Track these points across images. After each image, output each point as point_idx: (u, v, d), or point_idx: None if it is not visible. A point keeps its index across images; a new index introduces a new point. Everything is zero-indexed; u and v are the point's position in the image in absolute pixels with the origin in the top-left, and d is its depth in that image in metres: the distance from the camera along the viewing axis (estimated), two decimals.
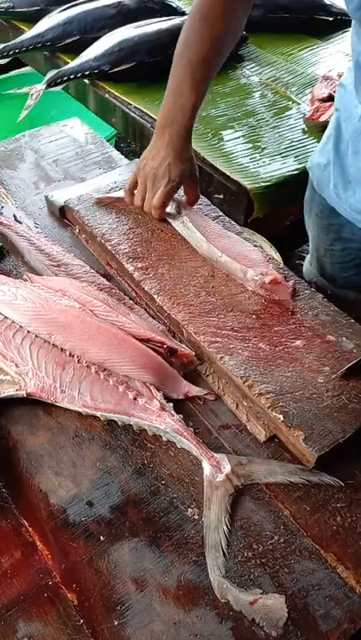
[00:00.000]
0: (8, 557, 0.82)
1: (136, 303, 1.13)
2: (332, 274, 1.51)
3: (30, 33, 2.23)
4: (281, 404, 0.95)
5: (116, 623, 0.77)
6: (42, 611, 0.78)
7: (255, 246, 1.21)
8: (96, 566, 0.82)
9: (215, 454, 0.91)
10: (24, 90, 2.08)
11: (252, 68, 2.23)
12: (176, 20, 2.16)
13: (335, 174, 1.27)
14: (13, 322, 1.01)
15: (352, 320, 1.10)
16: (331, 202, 1.31)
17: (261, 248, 1.23)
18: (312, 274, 1.62)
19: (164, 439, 0.94)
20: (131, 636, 0.76)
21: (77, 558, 0.83)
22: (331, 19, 2.43)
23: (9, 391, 0.96)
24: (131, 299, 1.14)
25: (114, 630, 0.77)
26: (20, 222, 1.27)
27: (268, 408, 0.94)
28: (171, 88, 1.20)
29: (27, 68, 2.78)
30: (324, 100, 1.94)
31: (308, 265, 1.63)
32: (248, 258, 1.15)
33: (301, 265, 2.49)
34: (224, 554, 0.83)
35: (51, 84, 2.03)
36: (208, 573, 0.81)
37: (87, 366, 0.97)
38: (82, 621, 0.77)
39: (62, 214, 1.31)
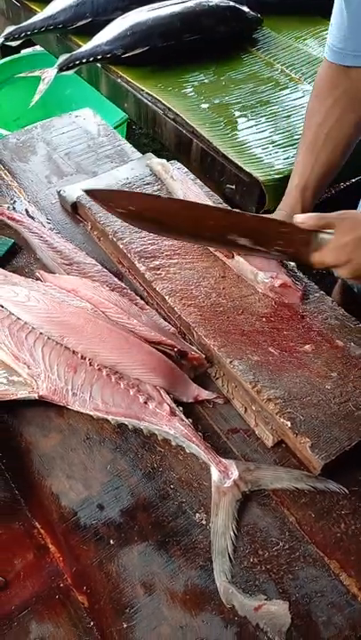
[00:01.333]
0: (21, 559, 0.85)
1: (147, 303, 1.14)
2: None
3: (42, 14, 2.19)
4: (289, 410, 0.96)
5: (125, 626, 0.80)
6: (53, 612, 0.81)
7: None
8: (106, 569, 0.84)
9: (223, 460, 0.92)
10: (36, 73, 2.05)
11: (266, 52, 2.19)
12: (189, 3, 2.11)
13: None
14: (26, 323, 1.02)
15: (360, 325, 1.10)
16: None
17: None
18: None
19: (174, 443, 0.95)
20: (139, 639, 0.79)
21: (88, 561, 0.85)
22: None
23: (22, 393, 0.97)
24: (142, 298, 1.15)
25: (123, 633, 0.79)
26: (33, 218, 1.27)
27: (277, 414, 0.96)
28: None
29: (37, 47, 2.75)
30: None
31: None
32: (260, 259, 1.15)
33: None
34: (230, 559, 0.85)
35: (62, 68, 2.01)
36: (215, 578, 0.83)
37: (99, 369, 0.99)
38: (92, 624, 0.80)
39: (75, 210, 1.31)
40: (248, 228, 1.07)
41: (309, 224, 1.03)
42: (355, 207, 1.42)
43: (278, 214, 1.25)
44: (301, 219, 1.03)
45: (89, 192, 1.12)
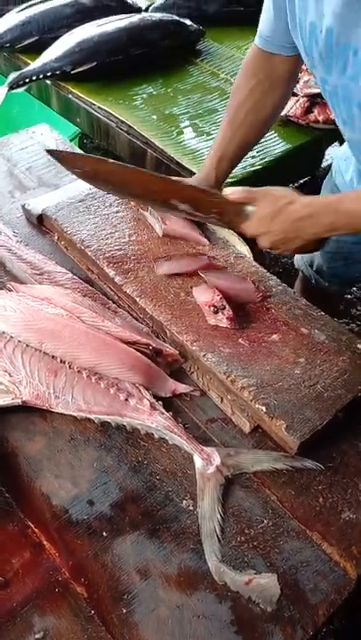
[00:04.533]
0: (18, 558, 0.87)
1: (119, 306, 1.18)
2: (321, 264, 1.58)
3: None
4: (263, 396, 1.01)
5: (125, 611, 0.83)
6: (54, 605, 0.83)
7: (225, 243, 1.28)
8: (101, 560, 0.88)
9: (205, 448, 0.97)
10: None
11: (210, 63, 2.28)
12: (134, 18, 2.19)
13: (355, 167, 1.34)
14: (4, 332, 1.05)
15: (322, 312, 1.17)
16: (343, 189, 1.39)
17: (229, 243, 1.30)
18: (301, 262, 1.69)
19: (157, 436, 1.00)
20: (139, 622, 0.82)
21: (83, 554, 0.88)
22: None
23: (5, 400, 1.00)
24: (114, 302, 1.19)
25: (123, 618, 0.83)
26: None
27: (251, 400, 1.01)
28: None
29: None
30: None
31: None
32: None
33: (269, 253, 2.57)
34: (219, 540, 0.90)
35: (13, 86, 2.04)
36: (206, 559, 0.88)
37: (78, 371, 1.02)
38: (92, 612, 0.83)
39: (40, 222, 1.34)
40: (186, 196, 1.20)
41: (235, 197, 1.15)
42: None
43: (194, 178, 1.36)
44: (230, 191, 1.16)
45: (51, 152, 1.28)
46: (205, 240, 1.28)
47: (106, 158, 1.19)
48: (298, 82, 1.98)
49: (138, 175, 1.20)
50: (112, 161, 1.18)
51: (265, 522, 0.93)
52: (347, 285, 1.68)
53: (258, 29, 1.23)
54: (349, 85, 1.05)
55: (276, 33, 1.19)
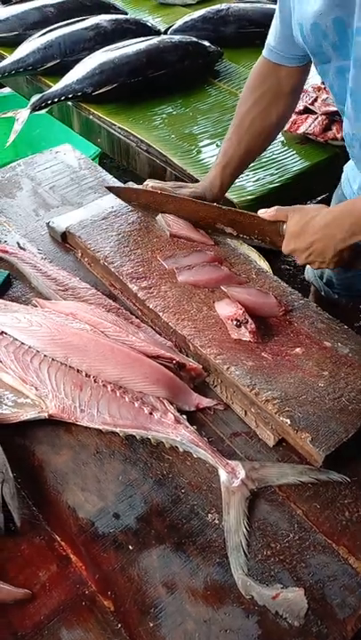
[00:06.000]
0: (45, 571, 0.88)
1: (142, 321, 1.19)
2: (331, 276, 1.59)
3: (11, 58, 2.28)
4: (287, 408, 1.02)
5: (152, 625, 0.83)
6: (81, 618, 0.84)
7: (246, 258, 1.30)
8: (128, 574, 0.88)
9: (230, 461, 0.97)
10: (9, 114, 2.13)
11: (228, 82, 2.31)
12: (153, 40, 2.23)
13: None
14: (30, 347, 1.06)
15: (345, 326, 1.17)
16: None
17: (250, 259, 1.31)
18: (311, 275, 1.70)
19: (181, 450, 1.00)
20: (166, 636, 0.82)
21: (109, 567, 0.88)
22: None
23: (31, 413, 1.01)
24: (137, 317, 1.20)
25: (150, 632, 0.83)
26: (24, 249, 1.32)
27: (276, 413, 1.01)
28: None
29: (6, 89, 2.83)
30: (300, 113, 2.02)
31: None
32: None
33: (288, 270, 2.58)
34: (245, 554, 0.89)
35: (35, 107, 2.09)
36: (232, 573, 0.87)
37: (103, 385, 1.03)
38: (119, 625, 0.83)
39: (64, 239, 1.37)
40: (229, 220, 1.29)
41: (268, 215, 1.19)
42: None
43: (198, 185, 1.41)
44: (262, 211, 1.20)
45: (110, 188, 1.40)
46: (210, 240, 1.33)
47: (156, 191, 1.31)
48: (316, 100, 2.01)
49: (186, 204, 1.31)
50: (162, 193, 1.30)
51: (291, 536, 0.92)
52: (357, 298, 1.69)
53: (267, 40, 1.27)
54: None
55: (282, 44, 1.22)
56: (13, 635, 0.82)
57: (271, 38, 1.25)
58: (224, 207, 1.30)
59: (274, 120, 1.33)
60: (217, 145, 1.95)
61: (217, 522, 0.93)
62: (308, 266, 1.75)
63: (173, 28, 2.48)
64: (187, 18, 2.50)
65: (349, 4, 0.99)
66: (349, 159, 1.40)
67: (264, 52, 1.29)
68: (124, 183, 1.51)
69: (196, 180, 1.84)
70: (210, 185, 1.38)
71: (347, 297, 1.65)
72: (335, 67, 1.12)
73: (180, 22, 2.49)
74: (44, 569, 0.88)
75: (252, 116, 1.31)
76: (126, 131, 2.02)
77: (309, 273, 1.73)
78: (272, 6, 2.71)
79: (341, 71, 1.10)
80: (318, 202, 2.44)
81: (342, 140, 1.91)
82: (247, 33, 2.47)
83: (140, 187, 1.38)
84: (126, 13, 2.65)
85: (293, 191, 1.87)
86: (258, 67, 1.32)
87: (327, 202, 2.43)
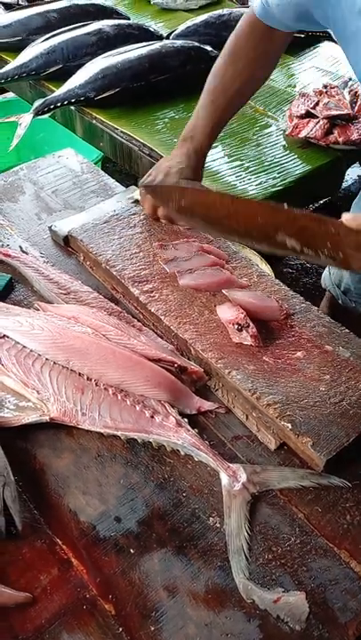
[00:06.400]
0: (46, 575, 0.88)
1: (144, 325, 1.20)
2: (349, 284, 1.58)
3: (14, 63, 2.29)
4: (288, 412, 1.02)
5: (153, 629, 0.83)
6: (82, 622, 0.84)
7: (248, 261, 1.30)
8: (129, 577, 0.88)
9: (231, 465, 0.97)
10: (12, 119, 2.14)
11: None
12: (155, 45, 2.23)
13: None
14: (32, 351, 1.07)
15: (346, 330, 1.17)
16: None
17: (252, 262, 1.31)
18: (328, 282, 1.69)
19: (182, 453, 1.00)
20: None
21: (111, 571, 0.88)
22: (302, 35, 2.52)
23: (33, 417, 1.01)
24: (139, 321, 1.20)
25: (151, 635, 0.82)
26: (27, 253, 1.32)
27: (277, 417, 1.01)
28: (196, 109, 1.34)
29: (9, 93, 2.84)
30: (301, 117, 2.03)
31: (327, 272, 1.71)
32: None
33: (290, 273, 2.58)
34: (246, 557, 0.89)
35: (38, 112, 2.09)
36: (233, 577, 0.87)
37: (105, 389, 1.04)
38: (120, 629, 0.83)
39: (66, 243, 1.37)
40: (298, 227, 0.96)
41: (358, 223, 0.89)
42: None
43: (181, 154, 1.33)
44: (350, 216, 0.89)
45: (147, 186, 1.23)
46: (224, 254, 1.31)
47: (206, 188, 1.06)
48: (318, 104, 2.01)
49: (242, 205, 1.04)
50: (214, 191, 1.06)
51: (292, 539, 0.92)
52: None
53: (258, 2, 1.21)
54: None
55: (287, 11, 1.17)
56: (14, 638, 0.82)
57: (274, 3, 1.18)
58: (295, 210, 0.97)
59: (260, 83, 1.34)
60: (226, 156, 1.96)
61: (218, 525, 0.93)
62: (325, 272, 1.74)
63: (176, 32, 2.49)
64: (189, 23, 2.51)
65: None
66: (351, 165, 1.40)
67: (258, 12, 1.22)
68: (127, 187, 1.51)
69: (200, 185, 1.84)
70: (197, 149, 1.31)
71: None
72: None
73: (182, 27, 2.50)
74: (45, 572, 0.88)
75: (244, 78, 1.27)
76: (129, 135, 2.03)
77: (326, 280, 1.72)
78: None
79: None
80: (320, 206, 2.46)
81: (344, 143, 1.93)
82: None
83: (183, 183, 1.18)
84: (129, 18, 2.66)
85: (295, 195, 1.87)
86: (247, 31, 1.25)
87: (329, 206, 2.45)
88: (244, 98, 1.35)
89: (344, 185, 2.44)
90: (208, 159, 1.92)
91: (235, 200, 1.05)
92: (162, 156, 1.93)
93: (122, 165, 2.18)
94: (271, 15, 1.21)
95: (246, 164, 1.92)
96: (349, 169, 2.23)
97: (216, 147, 1.99)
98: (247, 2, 3.57)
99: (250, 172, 1.89)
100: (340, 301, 1.65)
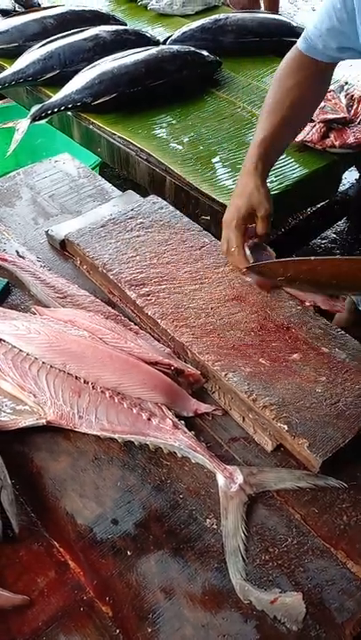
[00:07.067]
0: (43, 577, 0.88)
1: (141, 328, 1.20)
2: None
3: (12, 69, 2.30)
4: (285, 414, 1.02)
5: (150, 630, 0.83)
6: (80, 624, 0.84)
7: None
8: (126, 579, 0.88)
9: (228, 466, 0.98)
10: (9, 124, 2.14)
11: (227, 92, 2.33)
12: (152, 50, 2.24)
13: None
14: (28, 354, 1.07)
15: (342, 332, 1.18)
16: None
17: None
18: None
19: (179, 455, 1.00)
20: None
21: (108, 573, 0.89)
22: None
23: (30, 420, 1.02)
24: (135, 324, 1.21)
25: (148, 637, 0.83)
26: (23, 257, 1.33)
27: (273, 419, 1.02)
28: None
29: (7, 100, 2.85)
30: None
31: None
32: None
33: None
34: (243, 559, 0.90)
35: (35, 118, 2.10)
36: (230, 578, 0.88)
37: (102, 392, 1.04)
38: (118, 631, 0.83)
39: (63, 247, 1.38)
40: None
41: None
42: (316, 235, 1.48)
43: (243, 170, 1.30)
44: None
45: (251, 269, 1.18)
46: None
47: (308, 258, 1.05)
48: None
49: (346, 265, 1.04)
50: (312, 258, 1.04)
51: (289, 540, 0.92)
52: None
53: (305, 33, 1.24)
54: None
55: (329, 41, 1.19)
56: None
57: (313, 33, 1.21)
58: None
59: (314, 105, 1.37)
60: (223, 160, 1.97)
61: (215, 527, 0.94)
62: None
63: (172, 38, 2.50)
64: (185, 28, 2.52)
65: None
66: (347, 168, 1.41)
67: (303, 47, 1.25)
68: (124, 192, 1.52)
69: (197, 189, 1.85)
70: (263, 171, 1.26)
71: None
72: None
73: (178, 32, 2.51)
74: (42, 575, 0.89)
75: (292, 97, 1.27)
76: (126, 140, 2.03)
77: None
78: (270, 16, 2.74)
79: None
80: (317, 209, 2.46)
81: (340, 147, 1.93)
82: (246, 42, 2.49)
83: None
84: (125, 24, 2.67)
85: (292, 198, 1.88)
86: (295, 63, 1.28)
87: (326, 209, 2.45)
88: (296, 124, 1.35)
89: (341, 188, 2.44)
90: (204, 163, 1.94)
91: (335, 261, 1.07)
92: (160, 161, 1.94)
93: (119, 170, 2.18)
94: (314, 48, 1.23)
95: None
96: (346, 172, 2.24)
97: (212, 151, 2.00)
98: (274, 7, 3.55)
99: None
100: (360, 308, 1.62)
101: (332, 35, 1.18)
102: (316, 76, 1.29)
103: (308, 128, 1.98)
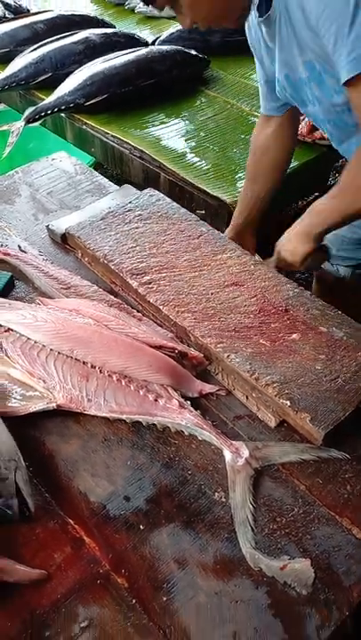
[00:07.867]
0: (60, 553, 0.91)
1: (143, 315, 1.23)
2: (331, 243, 1.60)
3: (4, 73, 2.34)
4: (286, 391, 1.05)
5: (165, 599, 0.86)
6: (97, 596, 0.87)
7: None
8: (140, 552, 0.91)
9: (234, 442, 1.01)
10: (4, 128, 2.18)
11: (216, 89, 2.37)
12: (142, 51, 2.29)
13: None
14: (36, 342, 1.10)
15: (339, 312, 1.21)
16: None
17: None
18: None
19: (186, 433, 1.03)
20: (179, 609, 0.85)
21: (122, 547, 0.92)
22: None
23: (40, 405, 1.05)
24: (138, 312, 1.24)
25: (163, 605, 0.86)
26: (25, 252, 1.36)
27: (276, 396, 1.05)
28: None
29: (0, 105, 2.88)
30: None
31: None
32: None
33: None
34: (252, 529, 0.93)
35: (29, 120, 2.14)
36: (240, 547, 0.91)
37: (109, 375, 1.07)
38: (134, 601, 0.86)
39: (64, 241, 1.41)
40: None
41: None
42: None
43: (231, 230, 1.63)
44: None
45: None
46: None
47: None
48: None
49: None
50: None
51: (295, 510, 0.96)
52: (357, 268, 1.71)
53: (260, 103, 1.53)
54: (317, 108, 1.28)
55: (270, 102, 1.48)
56: (32, 613, 0.85)
57: (262, 100, 1.51)
58: None
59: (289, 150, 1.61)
60: (215, 156, 2.01)
61: (224, 500, 0.97)
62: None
63: (161, 38, 2.54)
64: (173, 29, 2.57)
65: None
66: (338, 160, 1.51)
67: (263, 110, 1.53)
68: (120, 186, 1.55)
69: (191, 184, 1.89)
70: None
71: (345, 268, 1.66)
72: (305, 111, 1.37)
73: (166, 33, 2.56)
74: (58, 551, 0.91)
75: (268, 158, 1.57)
76: (119, 139, 2.07)
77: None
78: None
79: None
80: (311, 201, 2.50)
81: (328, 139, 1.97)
82: (233, 41, 2.53)
83: None
84: (114, 27, 2.71)
85: (284, 190, 1.91)
86: (257, 124, 1.58)
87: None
88: (272, 175, 1.61)
89: (333, 181, 2.48)
90: (196, 158, 1.98)
91: None
92: (154, 158, 1.98)
93: (113, 169, 2.22)
94: (271, 105, 1.49)
95: (236, 162, 1.96)
96: (338, 163, 2.28)
97: (204, 146, 2.04)
98: None
99: (240, 169, 1.93)
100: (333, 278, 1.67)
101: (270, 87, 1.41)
102: (277, 129, 1.53)
103: None
